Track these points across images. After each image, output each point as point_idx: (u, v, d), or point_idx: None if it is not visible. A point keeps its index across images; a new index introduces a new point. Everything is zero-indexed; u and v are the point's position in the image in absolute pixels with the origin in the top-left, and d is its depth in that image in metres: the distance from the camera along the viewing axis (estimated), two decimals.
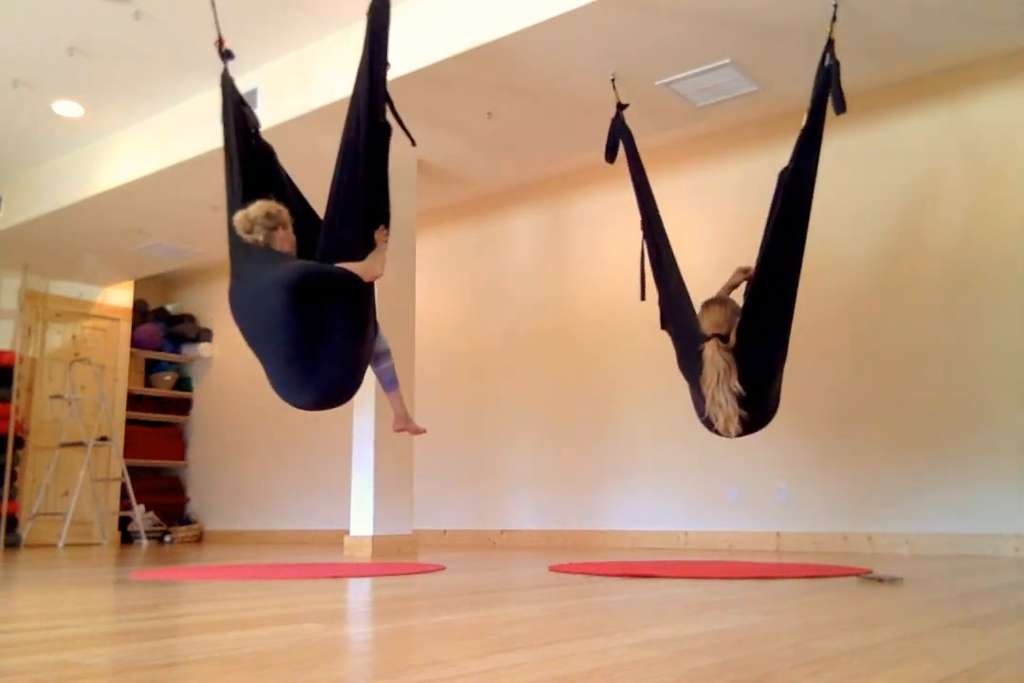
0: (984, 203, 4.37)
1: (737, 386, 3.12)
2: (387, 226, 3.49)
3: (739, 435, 3.31)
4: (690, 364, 3.31)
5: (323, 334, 3.05)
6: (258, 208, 3.21)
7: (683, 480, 5.09)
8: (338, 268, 3.11)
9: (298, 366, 3.06)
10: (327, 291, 3.07)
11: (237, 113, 3.58)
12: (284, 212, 3.25)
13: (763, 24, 3.76)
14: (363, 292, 3.19)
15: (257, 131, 3.64)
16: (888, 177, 4.68)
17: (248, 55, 4.69)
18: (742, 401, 3.14)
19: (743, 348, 3.19)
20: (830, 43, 3.41)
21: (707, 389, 3.19)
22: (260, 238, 3.17)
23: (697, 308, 3.43)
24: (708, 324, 3.28)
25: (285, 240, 3.23)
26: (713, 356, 3.16)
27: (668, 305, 3.59)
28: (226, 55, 3.69)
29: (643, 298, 3.72)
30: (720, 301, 3.40)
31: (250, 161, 3.51)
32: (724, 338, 3.21)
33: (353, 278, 3.11)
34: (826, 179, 4.78)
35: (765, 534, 4.73)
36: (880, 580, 2.55)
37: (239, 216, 3.20)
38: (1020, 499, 4.02)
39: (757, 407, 3.22)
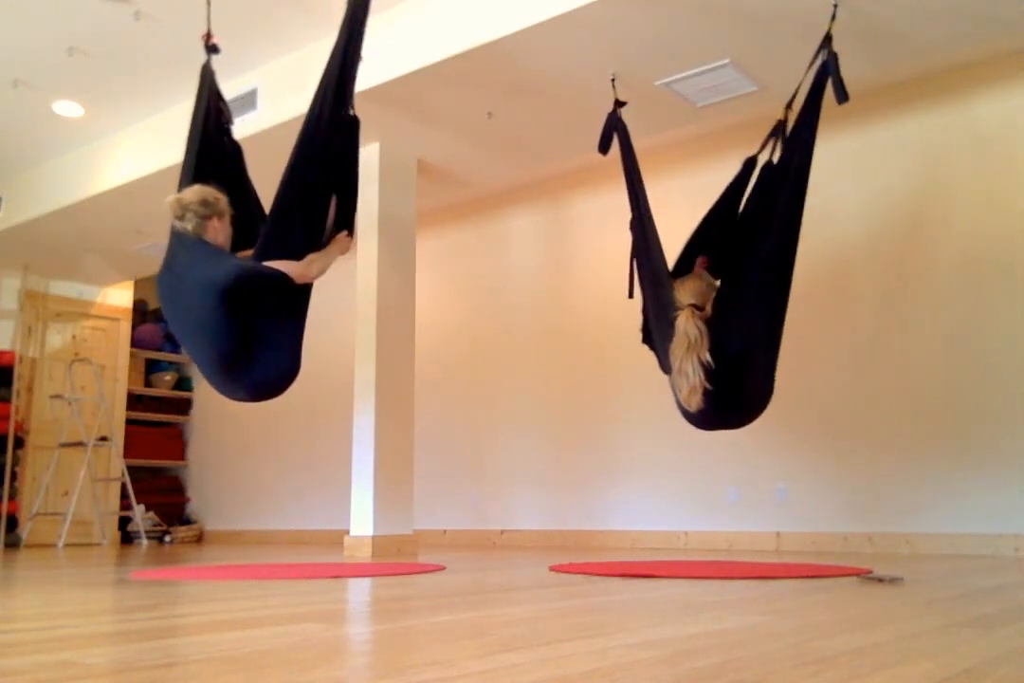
0: (992, 200, 4.36)
1: (707, 357, 2.96)
2: (351, 233, 3.29)
3: (705, 418, 3.15)
4: (664, 340, 3.17)
5: (254, 336, 2.89)
6: (194, 193, 2.99)
7: (683, 480, 5.09)
8: (270, 269, 2.92)
9: (227, 367, 2.93)
10: (260, 293, 2.89)
11: (213, 107, 3.46)
12: (222, 201, 3.04)
13: (763, 24, 3.76)
14: (298, 291, 3.02)
15: (230, 128, 3.53)
16: (894, 176, 4.68)
17: (248, 55, 4.70)
18: (710, 375, 2.97)
19: (719, 320, 3.06)
20: (828, 39, 3.41)
21: (675, 359, 3.03)
22: (190, 227, 2.95)
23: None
24: (683, 294, 3.18)
25: (219, 231, 3.01)
26: (686, 324, 3.01)
27: (649, 311, 3.49)
28: (211, 49, 3.64)
29: (631, 296, 3.64)
30: (695, 275, 3.33)
31: (214, 154, 3.35)
32: (699, 309, 3.09)
33: (285, 279, 2.93)
34: (833, 177, 4.79)
35: (765, 534, 4.73)
36: (880, 580, 2.54)
37: (171, 199, 2.98)
38: (1020, 499, 4.02)
39: (727, 389, 3.03)
